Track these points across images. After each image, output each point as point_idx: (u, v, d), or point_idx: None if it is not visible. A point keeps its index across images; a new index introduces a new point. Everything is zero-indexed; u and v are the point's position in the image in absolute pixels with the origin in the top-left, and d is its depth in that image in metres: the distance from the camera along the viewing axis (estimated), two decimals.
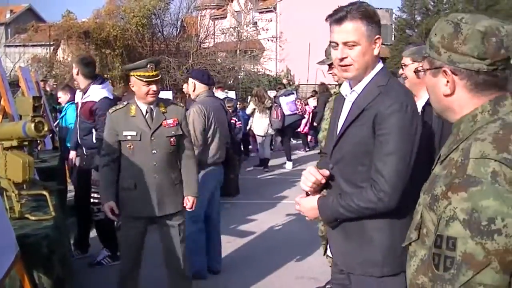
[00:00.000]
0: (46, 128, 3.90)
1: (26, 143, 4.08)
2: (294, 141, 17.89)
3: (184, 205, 4.83)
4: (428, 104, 3.51)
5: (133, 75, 4.53)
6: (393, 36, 50.98)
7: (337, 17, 2.74)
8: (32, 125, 3.79)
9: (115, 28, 27.20)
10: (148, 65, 4.51)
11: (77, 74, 6.40)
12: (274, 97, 15.16)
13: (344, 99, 2.99)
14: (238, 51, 31.72)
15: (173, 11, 31.21)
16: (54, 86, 16.90)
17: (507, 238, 1.56)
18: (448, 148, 1.90)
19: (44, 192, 4.00)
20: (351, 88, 2.91)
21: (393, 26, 51.76)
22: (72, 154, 6.72)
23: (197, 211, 5.22)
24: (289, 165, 14.37)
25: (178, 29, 31.17)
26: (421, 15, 50.90)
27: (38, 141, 7.15)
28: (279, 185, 11.68)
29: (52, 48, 30.65)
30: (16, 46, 34.79)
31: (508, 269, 1.59)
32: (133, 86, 4.59)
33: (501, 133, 1.72)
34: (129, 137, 4.54)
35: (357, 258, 2.87)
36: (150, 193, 4.59)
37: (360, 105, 2.80)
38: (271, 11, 40.23)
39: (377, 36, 2.78)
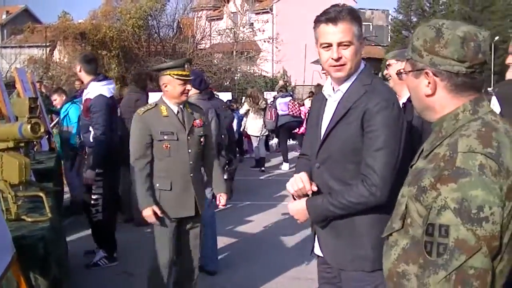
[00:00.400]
0: (42, 130, 3.89)
1: (22, 144, 4.07)
2: (293, 142, 17.91)
3: (217, 202, 4.92)
4: (408, 101, 3.63)
5: (169, 74, 4.50)
6: (389, 37, 51.10)
7: (331, 17, 2.83)
8: (29, 126, 3.79)
9: (111, 30, 27.21)
10: (186, 65, 4.54)
11: (80, 71, 6.47)
12: (274, 98, 15.29)
13: (326, 99, 3.08)
14: (234, 52, 31.76)
15: (170, 12, 31.24)
16: (52, 86, 16.88)
17: (493, 225, 1.71)
18: (431, 144, 2.01)
19: (41, 194, 4.00)
20: (334, 89, 3.01)
21: (389, 27, 51.87)
22: None
23: None
24: (285, 166, 14.39)
25: (175, 30, 31.20)
26: (417, 16, 50.94)
27: (35, 143, 7.14)
28: (276, 186, 11.67)
29: (48, 49, 30.63)
30: (12, 47, 34.74)
31: (492, 253, 1.73)
32: (165, 86, 4.54)
33: (483, 130, 1.86)
34: (165, 137, 4.50)
35: (348, 254, 2.93)
36: (188, 192, 4.58)
37: (346, 104, 2.89)
38: (267, 12, 40.31)
39: (363, 37, 2.93)
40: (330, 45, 2.84)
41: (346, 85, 2.92)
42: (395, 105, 2.83)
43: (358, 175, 2.81)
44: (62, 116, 8.26)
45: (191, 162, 4.58)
